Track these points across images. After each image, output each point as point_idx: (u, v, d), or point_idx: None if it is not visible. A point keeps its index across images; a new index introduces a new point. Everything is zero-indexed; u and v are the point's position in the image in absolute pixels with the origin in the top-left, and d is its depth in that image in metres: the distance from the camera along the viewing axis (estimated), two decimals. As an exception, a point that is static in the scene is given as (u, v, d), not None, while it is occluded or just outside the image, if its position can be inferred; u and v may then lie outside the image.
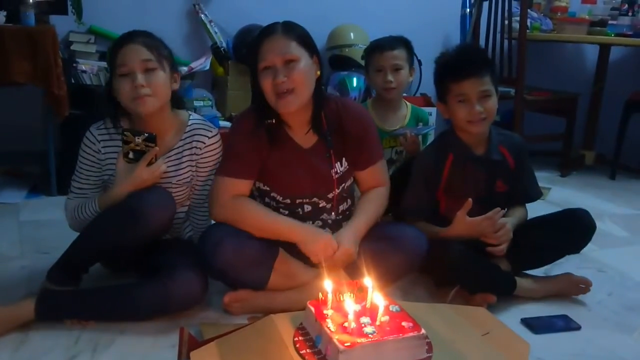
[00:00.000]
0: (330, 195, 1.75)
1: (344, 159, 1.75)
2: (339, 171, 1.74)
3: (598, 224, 1.89)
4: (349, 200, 1.83)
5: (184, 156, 1.74)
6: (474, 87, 1.78)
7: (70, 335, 1.53)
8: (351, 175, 1.80)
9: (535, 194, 1.99)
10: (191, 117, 1.77)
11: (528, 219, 1.98)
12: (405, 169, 2.03)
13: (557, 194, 3.09)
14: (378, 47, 2.24)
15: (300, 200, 1.73)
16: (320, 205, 1.75)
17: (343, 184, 1.77)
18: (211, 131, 1.76)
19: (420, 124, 2.32)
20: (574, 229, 1.89)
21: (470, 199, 1.76)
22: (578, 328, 1.70)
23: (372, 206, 1.77)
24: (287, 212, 1.74)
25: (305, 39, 1.64)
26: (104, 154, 1.71)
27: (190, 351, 1.37)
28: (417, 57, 3.27)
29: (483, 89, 1.78)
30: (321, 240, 1.63)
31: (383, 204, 1.81)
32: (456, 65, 1.82)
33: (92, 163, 1.71)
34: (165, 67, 1.66)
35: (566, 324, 1.72)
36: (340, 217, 1.80)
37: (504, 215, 1.93)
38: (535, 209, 1.94)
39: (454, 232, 1.79)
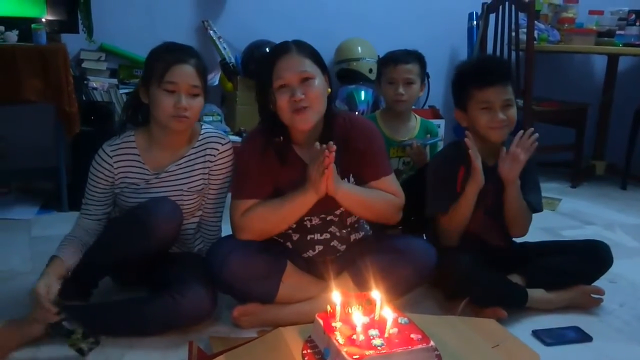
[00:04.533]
0: (337, 212, 1.75)
1: (351, 175, 1.74)
2: None
3: (609, 234, 1.88)
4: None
5: (197, 164, 1.76)
6: (499, 95, 1.78)
7: (80, 350, 1.54)
8: None
9: (537, 206, 1.91)
10: (203, 127, 1.80)
11: (550, 240, 1.98)
12: (414, 180, 2.03)
13: (568, 205, 3.07)
14: (392, 60, 2.24)
15: (309, 217, 1.73)
16: (328, 219, 1.76)
17: None
18: (224, 139, 1.80)
19: (428, 135, 2.33)
20: (593, 261, 1.89)
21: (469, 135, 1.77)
22: (590, 339, 1.69)
23: (374, 193, 1.71)
24: (294, 225, 1.74)
25: (317, 57, 1.67)
26: (116, 169, 1.73)
27: (199, 365, 1.38)
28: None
29: (506, 98, 1.79)
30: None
31: (387, 203, 1.73)
32: (481, 72, 1.82)
33: (101, 180, 1.73)
34: (204, 94, 1.71)
35: (578, 336, 1.70)
36: (349, 229, 1.80)
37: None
38: (547, 220, 1.92)
39: (475, 185, 1.78)
